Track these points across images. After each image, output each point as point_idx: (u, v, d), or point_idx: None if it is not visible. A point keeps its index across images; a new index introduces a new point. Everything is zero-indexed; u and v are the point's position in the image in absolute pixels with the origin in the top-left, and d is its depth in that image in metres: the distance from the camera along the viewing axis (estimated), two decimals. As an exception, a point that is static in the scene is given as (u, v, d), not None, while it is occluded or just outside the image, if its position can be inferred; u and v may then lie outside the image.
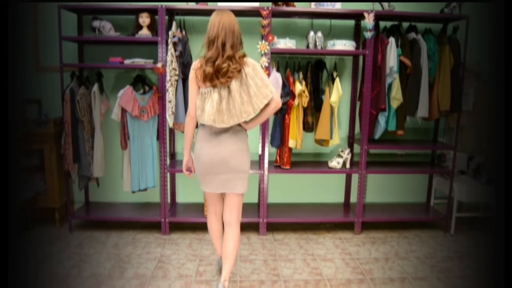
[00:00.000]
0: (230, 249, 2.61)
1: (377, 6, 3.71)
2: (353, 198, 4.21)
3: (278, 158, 3.80)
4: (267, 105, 2.45)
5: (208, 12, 3.75)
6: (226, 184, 2.56)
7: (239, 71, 2.38)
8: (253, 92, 2.39)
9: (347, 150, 3.87)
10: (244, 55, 2.43)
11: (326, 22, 3.95)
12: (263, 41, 3.46)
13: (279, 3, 3.60)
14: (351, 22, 3.99)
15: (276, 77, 3.45)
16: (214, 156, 2.49)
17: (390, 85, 3.62)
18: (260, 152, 3.69)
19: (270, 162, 3.77)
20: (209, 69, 2.37)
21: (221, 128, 2.48)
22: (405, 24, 3.81)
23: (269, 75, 3.44)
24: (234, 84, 2.38)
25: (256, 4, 3.49)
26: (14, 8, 1.87)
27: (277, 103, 2.48)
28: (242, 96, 2.40)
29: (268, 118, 2.74)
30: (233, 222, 2.64)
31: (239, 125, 2.55)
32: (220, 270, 2.97)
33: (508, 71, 1.93)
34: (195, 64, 2.48)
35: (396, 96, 3.59)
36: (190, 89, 2.52)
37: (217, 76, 2.37)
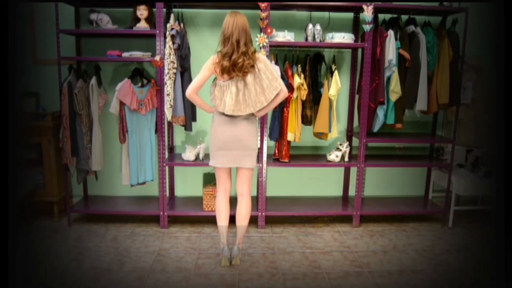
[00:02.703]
0: (243, 215, 3.05)
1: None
2: (352, 192, 4.22)
3: (276, 151, 3.80)
4: (276, 95, 2.82)
5: (206, 5, 3.75)
6: (237, 160, 2.94)
7: (253, 66, 2.75)
8: (266, 85, 2.78)
9: (346, 144, 3.87)
10: (255, 51, 2.80)
11: (325, 14, 3.93)
12: (262, 34, 3.44)
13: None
14: (350, 15, 3.97)
15: (275, 70, 3.44)
16: (229, 133, 2.88)
17: (388, 78, 3.61)
18: (258, 146, 3.68)
19: (268, 156, 3.76)
20: (226, 63, 2.71)
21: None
22: (404, 17, 3.80)
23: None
24: (249, 78, 2.76)
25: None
26: (14, 8, 1.85)
27: (285, 93, 2.88)
28: (256, 88, 2.78)
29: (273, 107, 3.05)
30: (245, 193, 3.06)
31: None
32: (224, 260, 3.03)
33: (508, 64, 1.93)
34: (213, 59, 2.80)
35: (394, 89, 3.59)
36: (201, 73, 2.83)
37: (234, 69, 2.72)
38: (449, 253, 3.35)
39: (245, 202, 3.06)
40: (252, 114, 2.93)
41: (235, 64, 2.70)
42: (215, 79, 2.88)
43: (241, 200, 3.07)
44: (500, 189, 1.89)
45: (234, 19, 2.73)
